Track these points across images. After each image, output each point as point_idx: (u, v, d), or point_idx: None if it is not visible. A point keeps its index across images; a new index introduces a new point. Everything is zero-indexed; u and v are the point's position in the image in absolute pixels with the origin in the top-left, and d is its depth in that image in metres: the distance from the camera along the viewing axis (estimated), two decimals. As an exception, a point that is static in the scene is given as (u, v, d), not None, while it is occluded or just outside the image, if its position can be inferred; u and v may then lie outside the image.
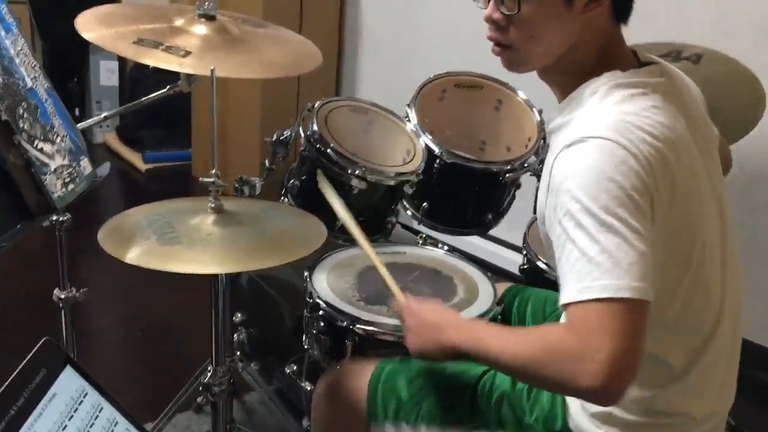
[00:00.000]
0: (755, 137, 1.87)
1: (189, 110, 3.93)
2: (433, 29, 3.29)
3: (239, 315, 2.05)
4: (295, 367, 1.85)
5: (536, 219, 1.92)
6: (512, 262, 2.88)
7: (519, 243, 2.08)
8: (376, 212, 1.82)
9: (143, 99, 1.62)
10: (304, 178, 1.78)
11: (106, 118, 1.59)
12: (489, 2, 1.12)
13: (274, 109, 3.55)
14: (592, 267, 0.95)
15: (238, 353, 2.04)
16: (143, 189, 4.03)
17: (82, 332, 1.89)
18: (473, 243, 2.77)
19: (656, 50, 1.66)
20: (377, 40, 3.59)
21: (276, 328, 2.02)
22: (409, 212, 1.95)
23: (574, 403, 1.18)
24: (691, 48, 1.98)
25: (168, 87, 1.59)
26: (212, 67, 1.28)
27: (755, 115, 1.84)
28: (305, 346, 1.59)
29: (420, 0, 3.33)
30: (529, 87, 1.95)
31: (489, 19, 1.13)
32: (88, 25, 1.50)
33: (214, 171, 1.32)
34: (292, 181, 1.80)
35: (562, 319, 1.27)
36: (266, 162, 1.87)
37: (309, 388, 1.68)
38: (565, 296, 0.99)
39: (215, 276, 1.53)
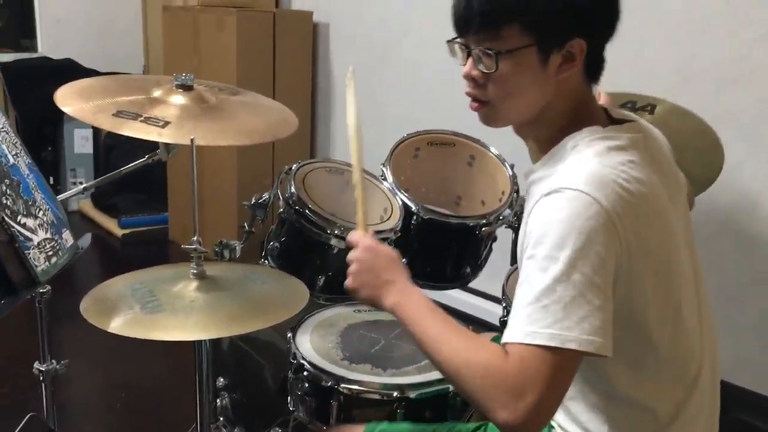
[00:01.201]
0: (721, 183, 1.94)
1: (164, 175, 3.96)
2: (403, 88, 3.38)
3: (221, 379, 2.04)
4: (279, 430, 1.84)
5: (515, 270, 1.96)
6: (493, 313, 2.91)
7: (498, 294, 2.11)
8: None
9: (122, 169, 1.64)
10: (283, 239, 1.80)
11: (85, 189, 1.60)
12: (468, 60, 1.17)
13: (250, 172, 3.59)
14: (544, 314, 0.99)
15: (222, 419, 2.03)
16: (120, 255, 4.02)
17: (63, 403, 1.87)
18: (453, 296, 2.79)
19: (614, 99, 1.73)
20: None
21: (259, 391, 2.01)
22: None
23: None
24: (645, 98, 2.06)
25: (147, 156, 1.62)
26: (192, 137, 1.31)
27: (716, 164, 1.91)
28: (290, 408, 1.59)
29: (389, 60, 3.42)
30: (501, 143, 2.01)
31: (468, 76, 1.17)
32: (68, 99, 1.52)
33: (195, 238, 1.34)
34: (272, 243, 1.82)
35: None
36: (245, 225, 1.89)
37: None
38: (512, 336, 1.01)
39: (198, 342, 1.53)
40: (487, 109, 1.19)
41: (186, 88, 1.60)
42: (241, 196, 3.58)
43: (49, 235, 1.21)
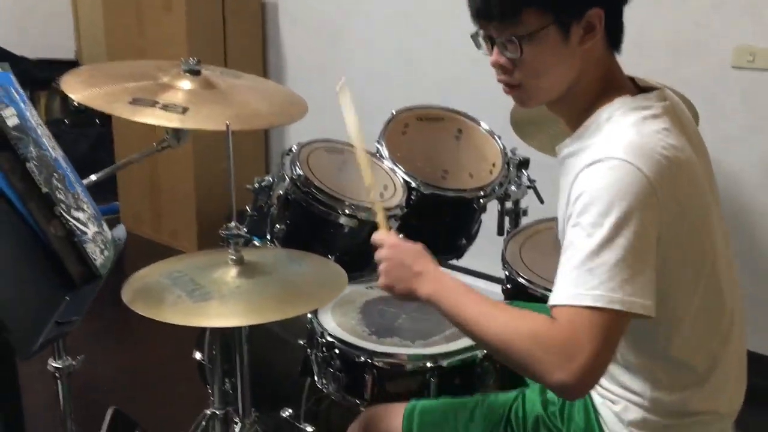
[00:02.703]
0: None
1: (113, 162, 3.84)
2: (357, 67, 3.39)
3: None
4: (291, 411, 1.86)
5: (511, 238, 2.03)
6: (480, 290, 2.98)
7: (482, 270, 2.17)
8: (363, 248, 1.86)
9: (132, 157, 1.60)
10: (289, 221, 1.81)
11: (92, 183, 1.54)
12: (493, 49, 1.20)
13: (206, 158, 3.53)
14: (590, 277, 1.04)
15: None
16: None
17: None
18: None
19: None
20: (305, 83, 3.66)
21: (267, 373, 2.02)
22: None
23: (609, 415, 1.25)
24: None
25: (156, 145, 1.59)
26: (227, 122, 1.30)
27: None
28: (319, 386, 1.61)
29: (341, 40, 3.42)
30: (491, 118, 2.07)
31: (496, 65, 1.21)
32: (76, 86, 1.48)
33: (234, 224, 1.34)
34: (277, 226, 1.83)
35: None
36: (247, 209, 1.89)
37: (310, 430, 1.71)
38: (558, 298, 1.06)
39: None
40: (520, 92, 1.23)
41: (194, 72, 1.58)
42: (198, 185, 3.55)
43: (97, 228, 1.19)
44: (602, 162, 1.10)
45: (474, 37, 1.23)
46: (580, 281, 1.05)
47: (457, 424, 1.35)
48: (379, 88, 3.29)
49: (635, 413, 1.22)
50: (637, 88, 1.24)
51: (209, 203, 3.61)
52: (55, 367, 1.65)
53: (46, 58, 4.39)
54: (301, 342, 1.74)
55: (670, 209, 1.10)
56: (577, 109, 1.23)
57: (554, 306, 1.07)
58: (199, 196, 3.55)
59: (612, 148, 1.11)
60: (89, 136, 4.00)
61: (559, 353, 1.03)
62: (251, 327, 2.07)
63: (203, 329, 2.06)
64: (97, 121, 4.07)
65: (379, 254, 1.29)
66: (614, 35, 1.21)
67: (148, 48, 3.50)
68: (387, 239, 1.30)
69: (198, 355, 2.09)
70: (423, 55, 3.15)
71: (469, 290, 1.18)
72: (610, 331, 1.04)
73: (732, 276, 1.25)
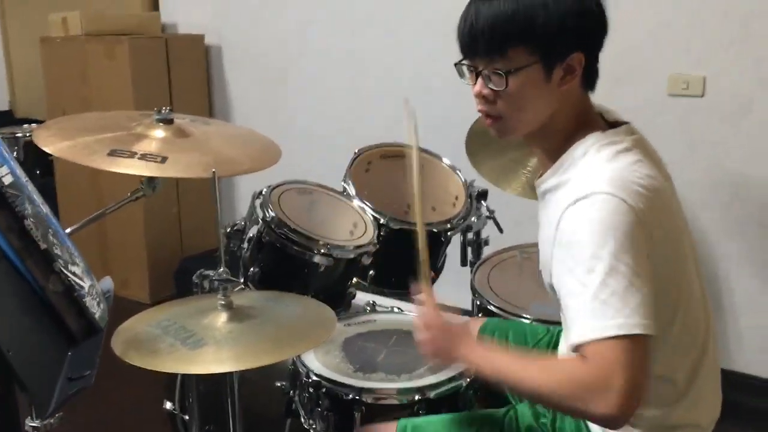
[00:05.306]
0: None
1: (54, 205, 3.76)
2: (305, 105, 3.43)
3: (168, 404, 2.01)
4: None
5: (478, 268, 2.09)
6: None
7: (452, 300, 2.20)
8: (338, 286, 1.89)
9: (108, 208, 1.59)
10: (263, 264, 1.82)
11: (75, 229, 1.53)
12: (477, 79, 1.27)
13: (154, 203, 3.48)
14: (605, 308, 1.09)
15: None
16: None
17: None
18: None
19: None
20: (251, 124, 3.67)
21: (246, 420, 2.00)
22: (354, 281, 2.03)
23: (596, 428, 1.31)
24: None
25: (130, 194, 1.58)
26: (214, 170, 1.32)
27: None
28: (306, 427, 1.62)
29: (288, 78, 3.46)
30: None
31: (479, 95, 1.27)
32: (48, 140, 1.48)
33: (222, 269, 1.35)
34: (251, 269, 1.83)
35: (562, 349, 1.42)
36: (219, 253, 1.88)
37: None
38: (582, 335, 1.11)
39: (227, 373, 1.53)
40: (500, 124, 1.29)
41: (166, 121, 1.59)
42: (147, 228, 3.50)
43: (91, 282, 1.18)
44: (588, 198, 1.16)
45: (458, 66, 1.29)
46: (597, 314, 1.10)
47: (451, 430, 1.39)
48: (329, 126, 3.34)
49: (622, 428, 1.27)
50: (606, 122, 1.32)
51: (160, 250, 3.57)
52: (33, 427, 1.61)
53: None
54: (279, 384, 1.74)
55: (655, 234, 1.17)
56: (553, 143, 1.30)
57: (580, 344, 1.11)
58: (149, 243, 3.50)
59: (595, 184, 1.17)
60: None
61: (596, 389, 1.07)
62: (222, 375, 2.07)
63: (171, 378, 2.03)
64: (38, 172, 3.97)
65: (423, 336, 1.36)
66: (590, 77, 1.29)
67: (92, 96, 3.46)
68: (427, 319, 1.37)
69: (168, 405, 2.06)
70: (371, 93, 3.22)
71: (505, 356, 1.27)
72: (638, 355, 1.08)
73: (703, 289, 1.33)
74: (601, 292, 1.10)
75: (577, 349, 1.12)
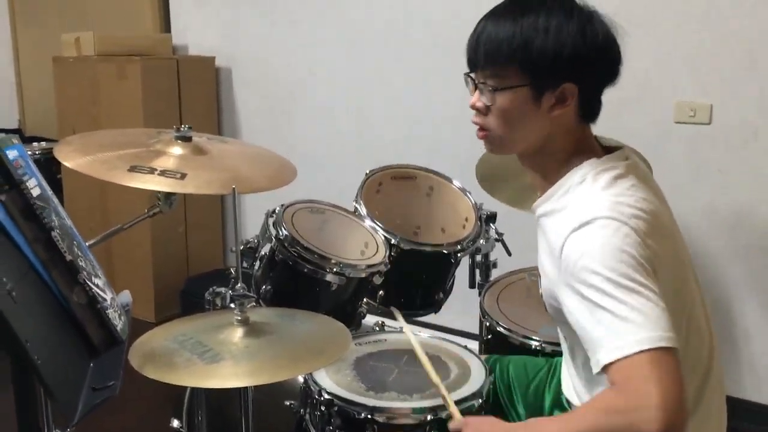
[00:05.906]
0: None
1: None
2: (313, 126, 3.46)
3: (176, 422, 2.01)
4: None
5: (487, 290, 2.10)
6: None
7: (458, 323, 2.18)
8: (349, 305, 1.90)
9: (126, 223, 1.61)
10: (276, 282, 1.83)
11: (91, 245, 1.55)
12: (475, 92, 1.31)
13: (162, 221, 3.50)
14: (627, 325, 1.10)
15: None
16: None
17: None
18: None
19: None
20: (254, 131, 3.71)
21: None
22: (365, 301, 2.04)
23: None
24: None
25: (148, 210, 1.60)
26: (233, 186, 1.34)
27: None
28: (318, 445, 1.62)
29: (296, 99, 3.50)
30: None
31: (473, 106, 1.32)
32: (70, 155, 1.50)
33: (239, 285, 1.36)
34: (263, 287, 1.84)
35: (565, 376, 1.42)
36: (231, 270, 1.90)
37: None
38: (605, 357, 1.11)
39: (242, 390, 1.54)
40: (490, 137, 1.34)
41: (185, 139, 1.61)
42: (155, 246, 3.51)
43: (112, 295, 1.20)
44: (591, 224, 1.18)
45: (465, 77, 1.34)
46: (620, 333, 1.10)
47: None
48: (336, 147, 3.37)
49: None
50: (603, 148, 1.34)
51: (166, 269, 3.58)
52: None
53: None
54: (288, 403, 1.75)
55: (658, 255, 1.19)
56: (548, 168, 1.33)
57: (606, 366, 1.11)
58: (156, 261, 3.52)
59: (596, 210, 1.19)
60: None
61: (636, 410, 1.06)
62: (234, 392, 2.07)
63: (180, 395, 2.04)
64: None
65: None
66: (588, 109, 1.31)
67: (103, 115, 3.50)
68: (464, 422, 1.40)
69: (176, 423, 2.06)
70: (378, 114, 3.25)
71: (543, 420, 1.33)
72: (668, 367, 1.08)
73: (706, 309, 1.34)
74: (620, 310, 1.11)
75: (605, 371, 1.11)
